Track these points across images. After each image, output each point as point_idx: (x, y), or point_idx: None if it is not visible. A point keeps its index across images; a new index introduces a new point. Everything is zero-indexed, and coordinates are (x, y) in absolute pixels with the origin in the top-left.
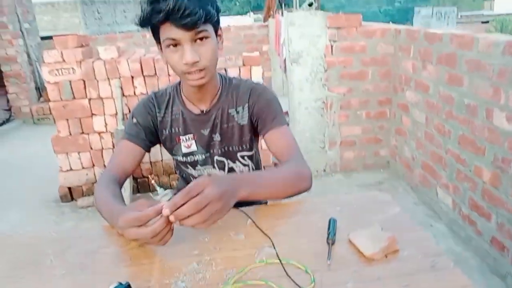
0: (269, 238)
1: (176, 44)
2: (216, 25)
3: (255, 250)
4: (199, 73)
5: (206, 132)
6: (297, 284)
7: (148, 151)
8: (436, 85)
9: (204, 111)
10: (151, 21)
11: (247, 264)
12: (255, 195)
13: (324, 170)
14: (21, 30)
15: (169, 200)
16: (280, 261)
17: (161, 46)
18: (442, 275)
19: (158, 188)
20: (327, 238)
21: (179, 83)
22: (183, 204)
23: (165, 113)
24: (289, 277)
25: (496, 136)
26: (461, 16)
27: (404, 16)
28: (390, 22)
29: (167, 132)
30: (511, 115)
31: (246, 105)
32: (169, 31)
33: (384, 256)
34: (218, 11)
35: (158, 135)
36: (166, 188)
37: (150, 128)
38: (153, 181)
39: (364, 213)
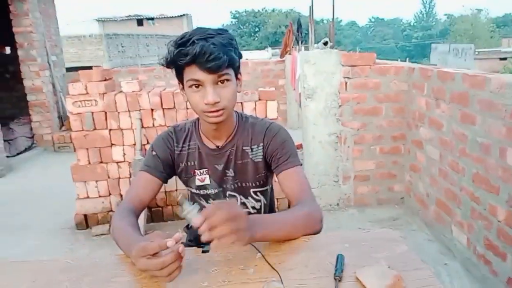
0: (277, 272)
1: (198, 85)
2: (237, 70)
3: (263, 284)
4: (217, 112)
5: (220, 167)
6: None
7: (166, 182)
8: (450, 123)
9: (219, 147)
10: (177, 63)
11: None
12: (267, 237)
13: (337, 204)
14: (48, 62)
15: (194, 214)
16: None
17: (183, 85)
18: None
19: (186, 202)
20: (334, 274)
21: (198, 119)
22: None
23: (182, 147)
24: None
25: (509, 175)
26: (478, 52)
27: (421, 52)
28: (407, 59)
29: (183, 165)
30: None
31: (261, 144)
32: (193, 73)
33: None
34: (240, 57)
35: (175, 167)
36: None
37: (168, 162)
38: (180, 195)
39: (372, 250)
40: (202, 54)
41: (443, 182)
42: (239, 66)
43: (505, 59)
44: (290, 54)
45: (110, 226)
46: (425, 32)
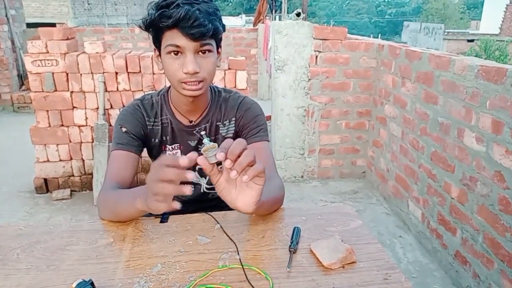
0: (234, 243)
1: (178, 52)
2: (218, 42)
3: (219, 254)
4: (196, 84)
5: (193, 143)
6: None
7: (140, 155)
8: (414, 102)
9: (193, 123)
10: (158, 25)
11: (211, 268)
12: (259, 208)
13: (302, 177)
14: (6, 16)
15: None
16: (242, 266)
17: (159, 52)
18: None
19: (206, 138)
20: (290, 246)
21: (167, 91)
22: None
23: (154, 121)
24: (249, 282)
25: (465, 155)
26: (447, 32)
27: (394, 29)
28: (379, 35)
29: (157, 141)
30: (480, 136)
31: (234, 118)
32: (174, 38)
33: (341, 267)
34: (223, 29)
35: (147, 142)
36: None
37: (140, 136)
38: (202, 132)
39: (328, 224)
40: (187, 18)
41: (403, 158)
42: (221, 39)
43: (472, 41)
44: (263, 23)
45: (98, 207)
46: (399, 9)
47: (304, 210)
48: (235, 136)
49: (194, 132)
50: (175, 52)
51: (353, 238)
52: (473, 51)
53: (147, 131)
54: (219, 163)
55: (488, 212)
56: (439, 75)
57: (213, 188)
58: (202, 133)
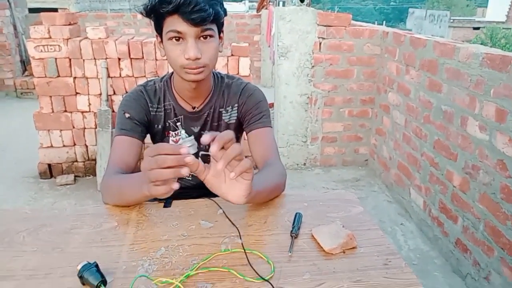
0: (237, 228)
1: (179, 37)
2: (220, 27)
3: (222, 239)
4: (198, 69)
5: (196, 129)
6: (257, 273)
7: (143, 141)
8: (417, 90)
9: (196, 109)
10: (158, 11)
11: (213, 251)
12: (256, 197)
13: (304, 164)
14: (8, 1)
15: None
16: (244, 250)
17: (161, 38)
18: (393, 273)
19: (182, 130)
20: (291, 231)
21: (170, 77)
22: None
23: (158, 107)
24: (251, 265)
25: (468, 143)
26: (453, 20)
27: (399, 16)
28: (384, 22)
29: (160, 127)
30: (484, 124)
31: (236, 104)
32: (175, 24)
33: (342, 252)
34: (225, 14)
35: (150, 128)
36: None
37: (144, 122)
38: (179, 123)
39: (329, 210)
40: (187, 3)
41: (406, 146)
42: (223, 24)
43: (478, 28)
44: (266, 8)
45: (102, 192)
46: None
47: (306, 196)
48: (238, 122)
49: (196, 117)
50: (177, 38)
51: (354, 224)
52: (478, 39)
53: (150, 117)
54: (207, 160)
55: (490, 201)
56: (444, 62)
57: None
58: (178, 124)
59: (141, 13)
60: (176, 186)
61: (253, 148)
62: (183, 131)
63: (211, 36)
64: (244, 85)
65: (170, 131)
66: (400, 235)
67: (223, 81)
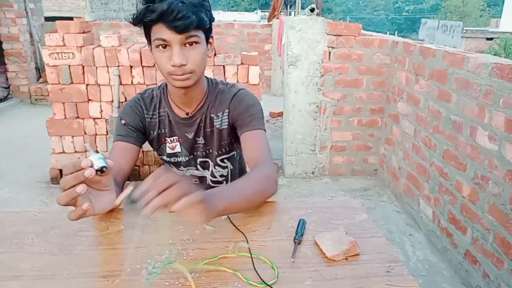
0: (243, 233)
1: (165, 45)
2: (207, 32)
3: (226, 244)
4: (184, 75)
5: (190, 135)
6: (260, 278)
7: (140, 146)
8: (427, 99)
9: (189, 115)
10: (144, 20)
11: (218, 255)
12: (231, 208)
13: (313, 173)
14: (25, 10)
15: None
16: (251, 254)
17: (151, 46)
18: (395, 280)
19: (90, 149)
20: (294, 237)
21: (166, 84)
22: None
23: (153, 114)
24: (255, 270)
25: (477, 153)
26: (466, 30)
27: (411, 27)
28: (396, 32)
29: (155, 133)
30: (493, 134)
31: (227, 110)
32: (160, 32)
33: (344, 259)
34: (211, 20)
35: (146, 135)
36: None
37: (139, 128)
38: (86, 143)
39: (333, 217)
40: (170, 12)
41: (415, 156)
42: (210, 29)
43: (491, 39)
44: (277, 18)
45: None
46: (417, 6)
47: (310, 203)
48: (230, 128)
49: (190, 123)
50: (163, 46)
51: (357, 231)
52: (492, 50)
53: (145, 124)
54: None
55: (499, 212)
56: (453, 72)
57: (217, 181)
58: (86, 144)
59: (130, 22)
60: (85, 206)
61: (244, 151)
62: (91, 150)
63: (196, 42)
64: (236, 91)
65: (166, 138)
66: (408, 245)
67: (217, 87)
